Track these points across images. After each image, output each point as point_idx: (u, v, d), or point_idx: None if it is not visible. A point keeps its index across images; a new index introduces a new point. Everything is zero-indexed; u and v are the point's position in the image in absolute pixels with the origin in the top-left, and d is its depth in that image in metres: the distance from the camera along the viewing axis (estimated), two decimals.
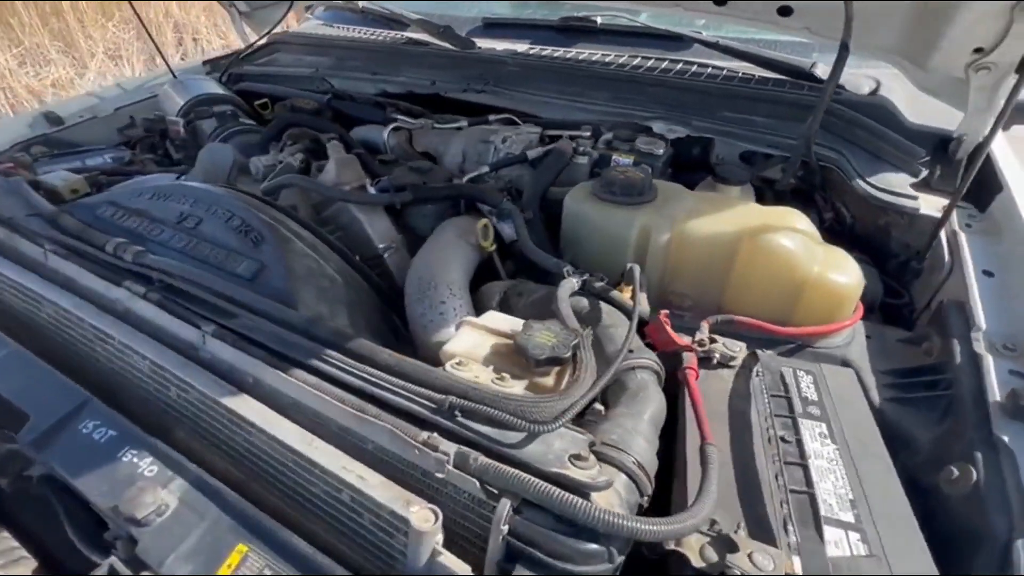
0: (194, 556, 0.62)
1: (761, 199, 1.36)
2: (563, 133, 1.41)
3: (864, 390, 0.88)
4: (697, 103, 1.49)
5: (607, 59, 1.72)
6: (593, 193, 1.09)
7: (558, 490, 0.56)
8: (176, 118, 1.62)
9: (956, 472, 0.74)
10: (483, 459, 0.60)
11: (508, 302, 1.02)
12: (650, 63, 1.68)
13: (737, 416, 0.80)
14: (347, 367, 0.72)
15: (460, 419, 0.65)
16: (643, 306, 0.90)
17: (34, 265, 0.99)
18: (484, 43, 1.87)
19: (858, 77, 1.53)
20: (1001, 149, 1.29)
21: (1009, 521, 0.66)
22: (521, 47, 1.83)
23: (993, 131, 0.92)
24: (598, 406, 0.74)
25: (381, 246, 1.15)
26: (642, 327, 0.90)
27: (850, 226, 1.32)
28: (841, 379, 0.88)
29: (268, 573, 0.60)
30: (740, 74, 1.59)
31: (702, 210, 1.03)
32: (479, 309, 1.01)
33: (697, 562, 0.60)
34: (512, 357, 0.77)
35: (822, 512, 0.66)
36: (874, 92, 1.46)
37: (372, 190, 1.18)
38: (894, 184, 1.23)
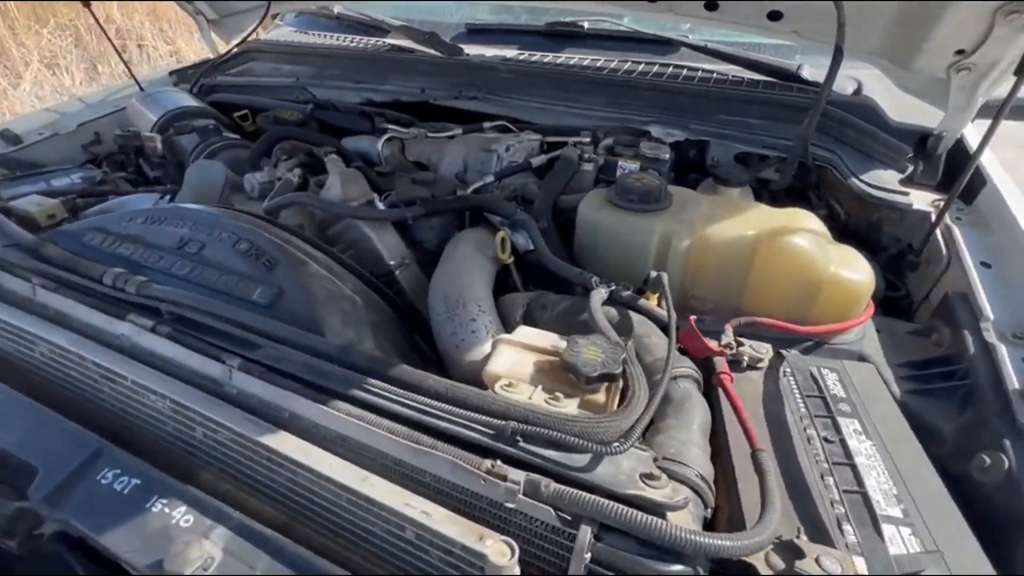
0: None
1: (757, 199, 1.39)
2: (563, 140, 1.41)
3: (885, 384, 0.90)
4: (692, 106, 1.51)
5: (598, 64, 1.72)
6: (609, 201, 1.09)
7: (641, 514, 0.55)
8: (152, 134, 1.52)
9: (988, 460, 0.77)
10: (555, 485, 0.59)
11: (532, 315, 1.01)
12: (641, 67, 1.69)
13: (772, 418, 0.81)
14: (392, 396, 0.70)
15: (522, 444, 0.63)
16: (672, 313, 0.90)
17: (20, 301, 0.91)
18: (469, 49, 1.84)
19: (841, 78, 1.58)
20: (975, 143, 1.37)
21: None
22: (509, 53, 1.81)
23: (991, 131, 0.97)
24: None
25: (392, 262, 1.11)
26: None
27: (843, 223, 1.37)
28: (863, 375, 0.90)
29: None
30: (731, 77, 1.62)
31: (719, 215, 1.04)
32: (502, 323, 0.99)
33: (764, 570, 0.60)
34: (558, 374, 0.75)
35: (877, 511, 0.68)
36: (857, 92, 1.52)
37: (380, 205, 1.14)
38: (886, 181, 1.28)
